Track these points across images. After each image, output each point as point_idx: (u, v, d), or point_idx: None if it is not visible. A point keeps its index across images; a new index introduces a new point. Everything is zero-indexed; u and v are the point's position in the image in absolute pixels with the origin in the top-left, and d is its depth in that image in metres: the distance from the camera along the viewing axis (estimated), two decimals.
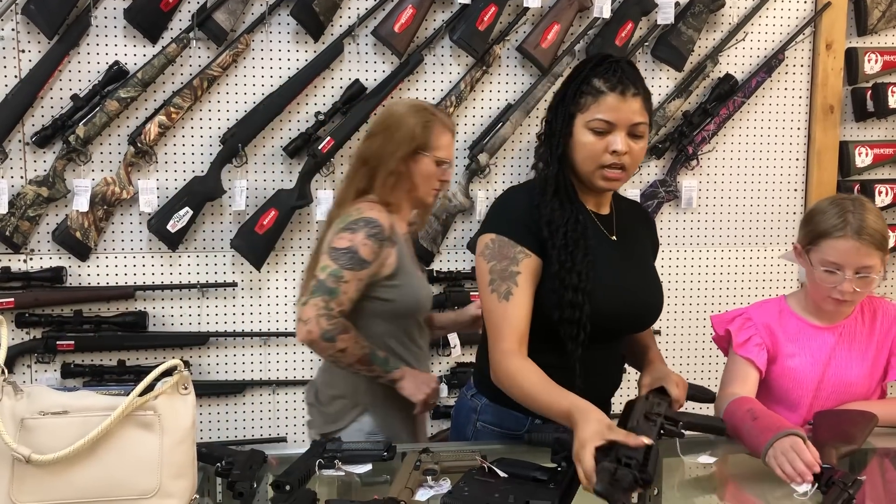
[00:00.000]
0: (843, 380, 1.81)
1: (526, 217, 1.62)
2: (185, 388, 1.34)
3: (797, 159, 3.10)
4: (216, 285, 2.73)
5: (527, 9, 2.77)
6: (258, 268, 2.72)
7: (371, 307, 1.97)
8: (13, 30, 2.54)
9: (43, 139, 2.57)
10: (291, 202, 2.69)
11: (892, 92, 3.01)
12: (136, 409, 1.28)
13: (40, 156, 2.61)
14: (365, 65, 2.76)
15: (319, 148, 2.67)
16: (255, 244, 2.69)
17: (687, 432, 1.56)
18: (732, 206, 3.06)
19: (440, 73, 2.81)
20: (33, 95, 2.55)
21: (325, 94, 2.75)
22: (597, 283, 1.59)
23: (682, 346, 3.06)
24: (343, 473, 1.55)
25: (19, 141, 2.58)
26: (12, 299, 2.58)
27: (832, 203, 1.78)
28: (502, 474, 1.42)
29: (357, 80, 2.72)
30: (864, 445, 1.67)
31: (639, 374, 1.74)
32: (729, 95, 2.95)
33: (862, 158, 3.08)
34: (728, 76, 2.96)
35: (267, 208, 2.68)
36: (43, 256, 2.64)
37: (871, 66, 3.04)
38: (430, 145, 2.01)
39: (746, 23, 2.96)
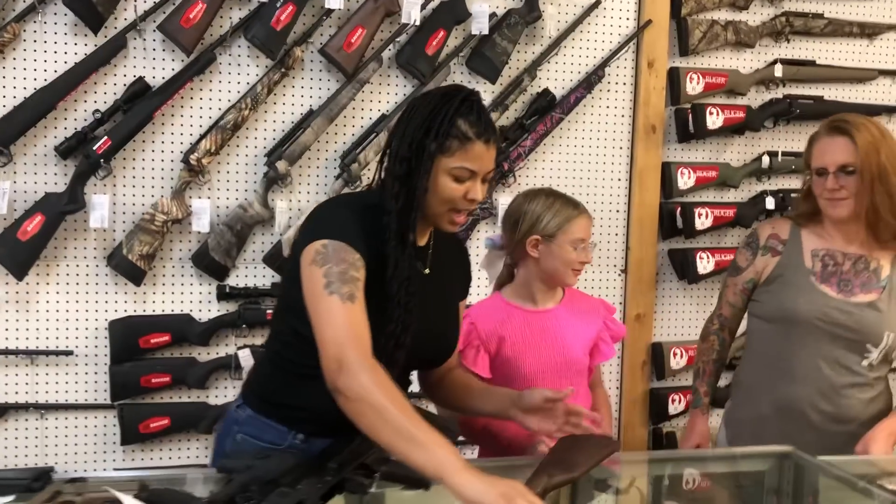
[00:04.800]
0: (566, 356, 1.96)
1: (361, 230, 1.51)
2: None
3: (619, 179, 3.01)
4: None
5: (329, 10, 2.62)
6: (20, 278, 2.46)
7: None
8: None
9: None
10: (60, 207, 2.45)
11: (711, 112, 2.97)
12: None
13: None
14: (152, 62, 2.56)
15: (94, 148, 2.45)
16: (18, 252, 2.43)
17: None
18: None
19: (237, 73, 2.63)
20: None
21: (105, 92, 2.53)
22: None
23: None
24: None
25: None
26: None
27: (539, 201, 1.97)
28: None
29: (141, 78, 2.52)
30: (596, 475, 1.55)
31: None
32: (547, 111, 2.86)
33: (685, 180, 3.01)
34: (546, 91, 2.86)
35: (32, 213, 2.44)
36: None
37: (693, 86, 2.99)
38: None
39: (566, 37, 2.87)
